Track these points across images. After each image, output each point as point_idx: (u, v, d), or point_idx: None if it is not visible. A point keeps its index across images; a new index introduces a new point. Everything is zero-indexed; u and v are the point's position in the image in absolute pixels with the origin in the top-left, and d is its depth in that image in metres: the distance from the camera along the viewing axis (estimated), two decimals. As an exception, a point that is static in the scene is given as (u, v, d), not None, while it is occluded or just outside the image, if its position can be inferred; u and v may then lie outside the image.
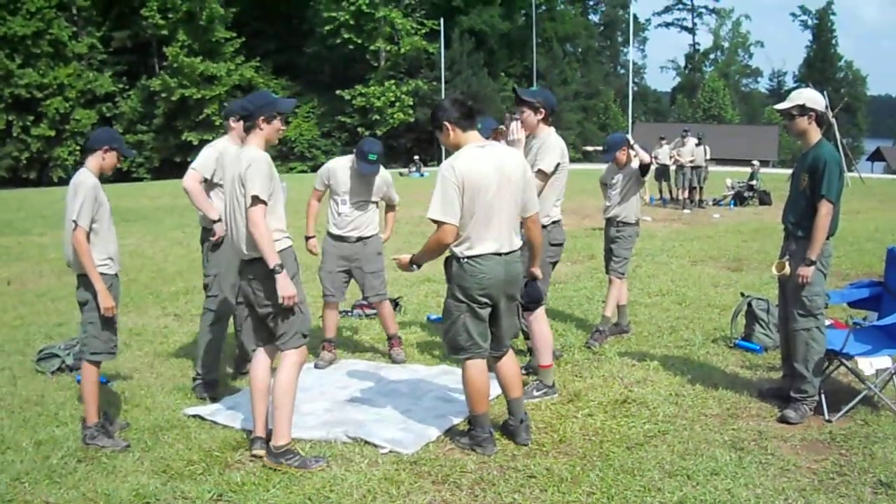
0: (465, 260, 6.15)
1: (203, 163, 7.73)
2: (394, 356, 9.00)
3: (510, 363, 6.67)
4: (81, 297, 6.71)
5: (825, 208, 6.79)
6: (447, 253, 6.29)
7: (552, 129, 7.76)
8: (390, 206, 9.27)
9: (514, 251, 6.29)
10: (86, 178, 6.55)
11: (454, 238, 6.10)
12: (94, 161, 6.69)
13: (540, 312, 7.64)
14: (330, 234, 8.74)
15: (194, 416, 7.20)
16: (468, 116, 6.25)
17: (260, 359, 6.38)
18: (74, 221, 6.39)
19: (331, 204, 8.73)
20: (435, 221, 6.08)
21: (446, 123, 6.24)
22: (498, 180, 6.11)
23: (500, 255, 6.18)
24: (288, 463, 6.00)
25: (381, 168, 8.73)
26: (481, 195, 6.05)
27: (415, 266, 6.46)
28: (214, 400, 7.64)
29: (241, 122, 6.57)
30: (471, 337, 6.30)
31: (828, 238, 6.94)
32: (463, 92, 62.45)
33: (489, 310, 6.33)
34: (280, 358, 6.24)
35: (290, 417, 6.17)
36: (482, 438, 6.45)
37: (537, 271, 6.98)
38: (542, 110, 7.67)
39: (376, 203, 8.84)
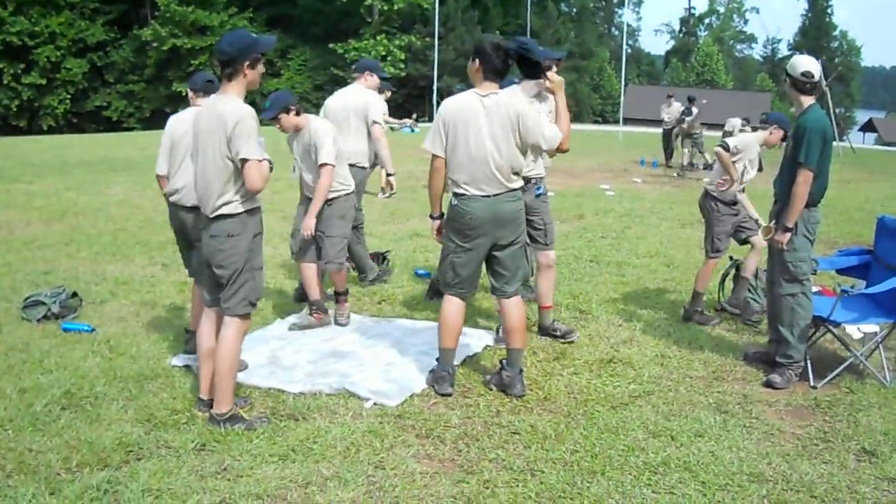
0: (455, 202, 6.44)
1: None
2: (338, 318, 8.59)
3: (518, 312, 6.75)
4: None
5: (802, 176, 6.75)
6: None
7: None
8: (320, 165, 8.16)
9: (502, 193, 6.42)
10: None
11: (442, 167, 6.45)
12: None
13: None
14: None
15: (183, 366, 7.20)
16: (496, 71, 6.41)
17: (206, 321, 6.23)
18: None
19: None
20: (428, 151, 6.53)
21: (477, 62, 6.42)
22: (485, 123, 6.31)
23: (487, 196, 6.36)
24: (235, 428, 5.88)
25: (312, 120, 8.25)
26: (460, 134, 6.33)
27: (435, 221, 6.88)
28: None
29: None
30: (457, 275, 6.60)
31: (815, 205, 6.94)
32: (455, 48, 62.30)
33: (483, 252, 6.56)
34: (224, 324, 6.03)
35: (233, 384, 6.04)
36: (440, 376, 6.70)
37: None
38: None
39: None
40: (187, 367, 7.10)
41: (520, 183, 6.58)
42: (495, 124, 6.31)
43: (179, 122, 7.24)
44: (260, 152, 5.72)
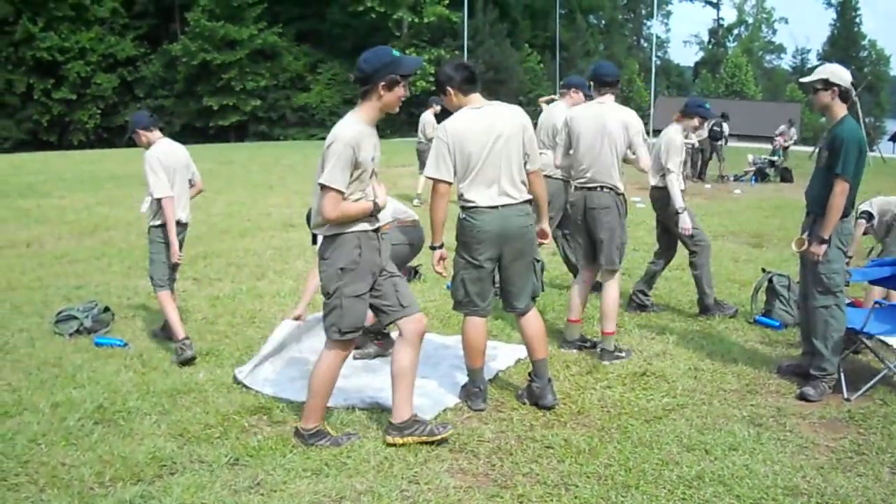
0: (463, 215, 6.38)
1: None
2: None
3: (534, 323, 6.71)
4: None
5: (839, 187, 6.70)
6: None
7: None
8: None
9: (511, 204, 6.35)
10: None
11: (448, 193, 6.30)
12: None
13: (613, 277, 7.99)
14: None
15: (213, 380, 7.23)
16: (469, 81, 6.37)
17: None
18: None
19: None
20: (431, 178, 6.32)
21: (449, 89, 6.37)
22: (489, 137, 6.24)
23: (494, 207, 6.29)
24: (319, 444, 5.85)
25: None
26: (471, 152, 6.23)
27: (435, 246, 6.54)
28: None
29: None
30: (467, 294, 6.51)
31: (847, 216, 6.89)
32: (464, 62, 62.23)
33: (491, 267, 6.47)
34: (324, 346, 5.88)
35: (323, 405, 5.95)
36: (472, 392, 6.70)
37: (545, 226, 6.95)
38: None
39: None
40: (221, 382, 7.13)
41: (527, 196, 6.49)
42: (504, 133, 6.28)
43: (169, 155, 8.11)
44: (341, 181, 5.40)
